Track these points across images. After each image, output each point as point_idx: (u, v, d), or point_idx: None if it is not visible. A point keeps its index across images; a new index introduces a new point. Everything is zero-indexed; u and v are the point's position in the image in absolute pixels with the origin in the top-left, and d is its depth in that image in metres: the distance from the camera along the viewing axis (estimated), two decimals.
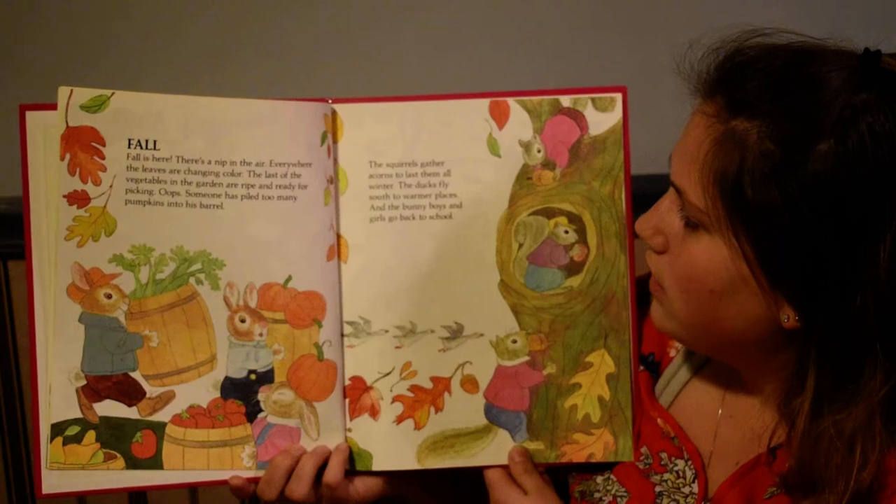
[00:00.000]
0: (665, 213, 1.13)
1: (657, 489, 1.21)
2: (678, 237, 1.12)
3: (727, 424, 1.21)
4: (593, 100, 1.26)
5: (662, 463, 1.22)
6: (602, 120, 1.26)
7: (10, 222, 1.83)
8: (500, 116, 1.26)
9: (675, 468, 1.21)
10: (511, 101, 1.26)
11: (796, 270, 1.04)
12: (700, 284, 1.10)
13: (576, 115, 1.26)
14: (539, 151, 1.26)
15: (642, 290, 1.29)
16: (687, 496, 1.20)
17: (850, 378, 1.05)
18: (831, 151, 1.01)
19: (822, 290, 1.04)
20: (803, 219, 1.02)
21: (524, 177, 1.26)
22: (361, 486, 1.26)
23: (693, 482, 1.20)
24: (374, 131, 1.26)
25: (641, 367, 1.27)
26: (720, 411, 1.22)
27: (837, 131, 1.01)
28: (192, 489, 2.08)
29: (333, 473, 1.23)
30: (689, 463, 1.20)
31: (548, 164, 1.26)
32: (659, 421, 1.24)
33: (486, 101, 1.26)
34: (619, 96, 1.26)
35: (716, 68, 1.09)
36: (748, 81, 1.06)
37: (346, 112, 1.26)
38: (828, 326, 1.05)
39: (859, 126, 1.01)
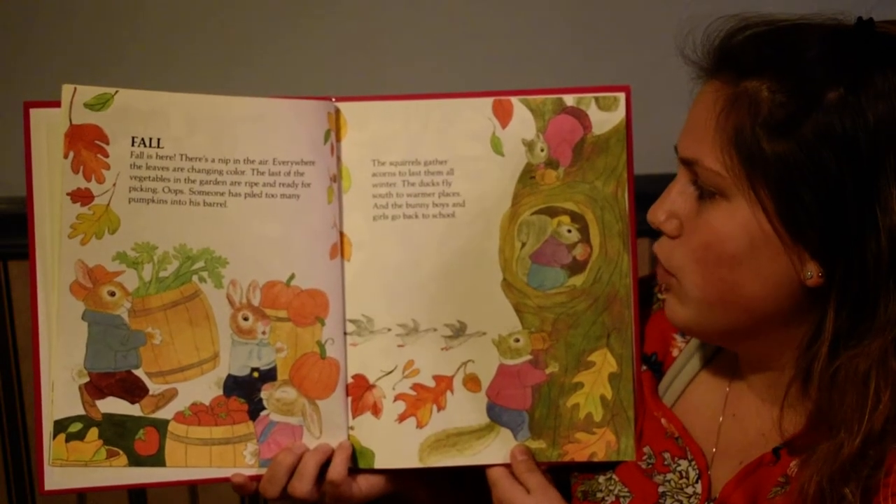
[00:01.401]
0: (677, 197, 1.14)
1: (660, 489, 1.21)
2: (692, 216, 1.12)
3: (731, 424, 1.21)
4: (597, 99, 1.26)
5: (666, 463, 1.22)
6: (605, 119, 1.25)
7: (11, 222, 1.84)
8: (503, 115, 1.26)
9: (679, 468, 1.21)
10: (514, 99, 1.26)
11: (818, 219, 1.06)
12: (719, 251, 1.10)
13: (579, 114, 1.26)
14: (542, 150, 1.26)
15: (645, 290, 1.29)
16: (690, 496, 1.19)
17: (865, 317, 1.07)
18: (841, 98, 1.04)
19: (842, 236, 1.06)
20: (820, 164, 1.05)
21: (527, 176, 1.26)
22: (364, 483, 1.26)
23: (696, 482, 1.20)
24: (377, 129, 1.26)
25: (644, 367, 1.27)
26: (723, 411, 1.22)
27: (847, 80, 1.04)
28: (192, 487, 2.08)
29: (337, 471, 1.23)
30: (693, 463, 1.20)
31: (551, 163, 1.26)
32: (662, 421, 1.24)
33: (489, 100, 1.26)
34: (622, 95, 1.26)
35: (719, 44, 1.12)
36: (752, 48, 1.09)
37: (350, 110, 1.26)
38: (847, 272, 1.06)
39: (866, 75, 1.05)
